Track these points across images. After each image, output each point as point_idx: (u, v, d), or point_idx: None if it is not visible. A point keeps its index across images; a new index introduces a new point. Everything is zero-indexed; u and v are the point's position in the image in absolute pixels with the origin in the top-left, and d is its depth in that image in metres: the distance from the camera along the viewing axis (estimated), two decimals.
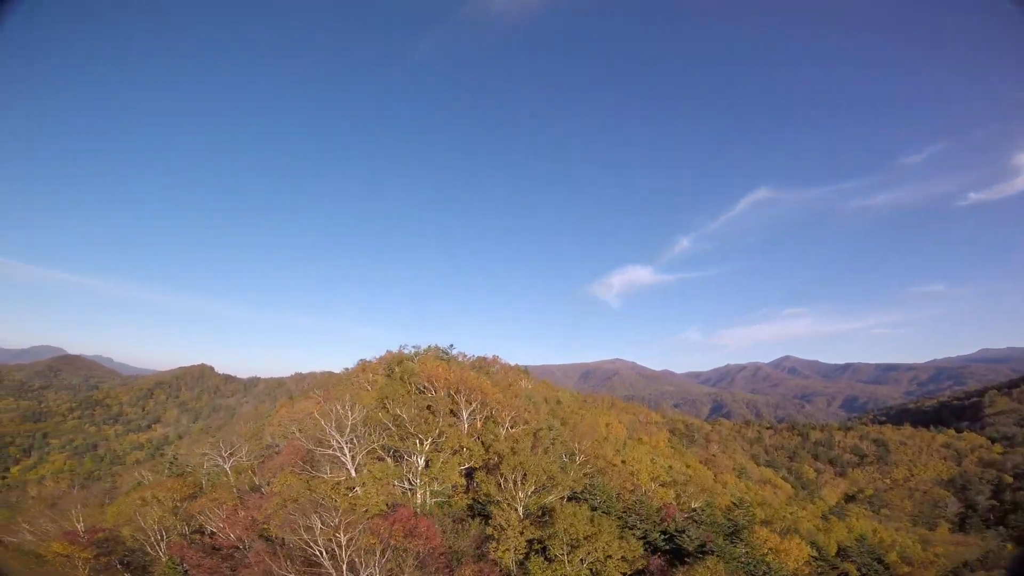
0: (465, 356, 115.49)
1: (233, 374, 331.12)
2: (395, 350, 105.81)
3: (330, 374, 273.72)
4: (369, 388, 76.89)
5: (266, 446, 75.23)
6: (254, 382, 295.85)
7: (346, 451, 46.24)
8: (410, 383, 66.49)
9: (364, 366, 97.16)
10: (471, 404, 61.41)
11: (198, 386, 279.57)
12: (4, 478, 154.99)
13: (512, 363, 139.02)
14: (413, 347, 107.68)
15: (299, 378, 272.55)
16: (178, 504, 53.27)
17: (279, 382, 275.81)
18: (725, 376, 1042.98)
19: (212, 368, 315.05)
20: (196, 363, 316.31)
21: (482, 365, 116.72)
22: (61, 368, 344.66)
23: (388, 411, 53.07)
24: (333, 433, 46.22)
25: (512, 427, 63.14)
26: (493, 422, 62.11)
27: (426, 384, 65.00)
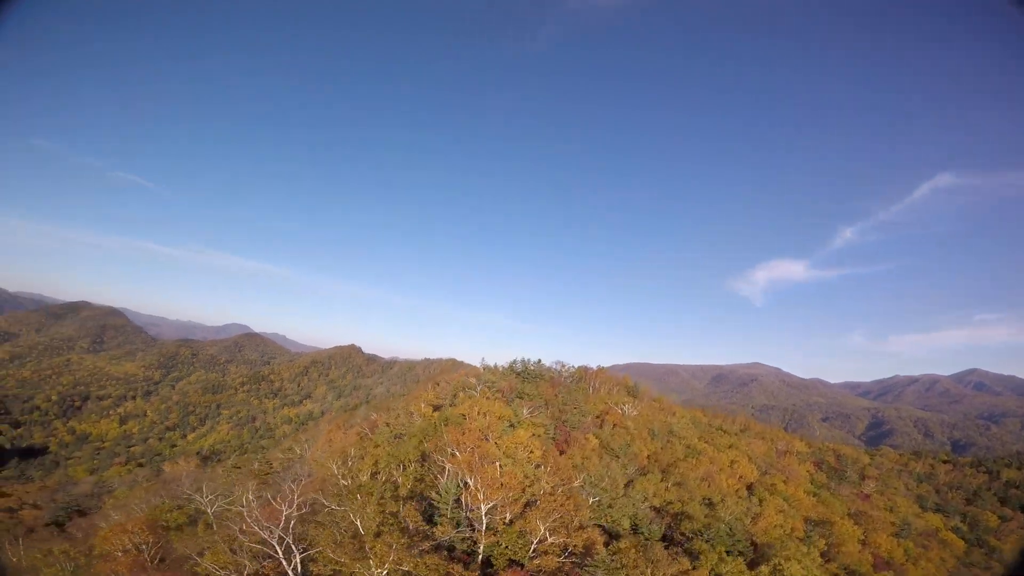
0: (564, 367, 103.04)
1: (379, 354, 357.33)
2: (518, 358, 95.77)
3: (453, 361, 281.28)
4: (415, 416, 68.75)
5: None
6: (390, 364, 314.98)
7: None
8: (428, 438, 54.49)
9: (432, 386, 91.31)
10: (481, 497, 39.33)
11: (345, 365, 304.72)
12: (175, 446, 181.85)
13: (620, 375, 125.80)
14: (522, 362, 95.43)
15: (427, 363, 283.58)
16: None
17: (410, 365, 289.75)
18: (891, 389, 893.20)
19: (359, 348, 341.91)
20: (348, 343, 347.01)
21: (582, 377, 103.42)
22: (244, 344, 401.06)
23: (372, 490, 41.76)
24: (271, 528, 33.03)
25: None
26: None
27: (451, 450, 48.11)
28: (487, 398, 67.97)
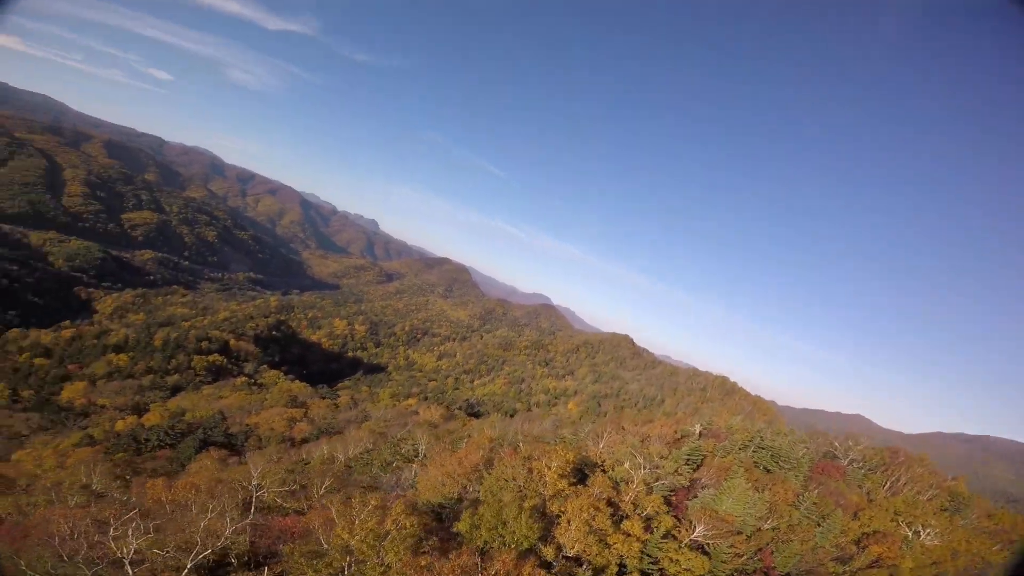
0: (852, 443, 71.62)
1: (650, 349, 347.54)
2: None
3: (725, 381, 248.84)
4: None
5: None
6: (655, 363, 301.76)
7: None
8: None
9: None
10: None
11: (611, 353, 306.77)
12: (456, 389, 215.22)
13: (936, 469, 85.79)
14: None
15: (694, 375, 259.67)
16: None
17: (672, 370, 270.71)
18: None
19: (630, 339, 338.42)
20: (623, 333, 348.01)
21: (884, 464, 69.17)
22: (541, 313, 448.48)
23: None
24: None
25: None
26: None
27: None
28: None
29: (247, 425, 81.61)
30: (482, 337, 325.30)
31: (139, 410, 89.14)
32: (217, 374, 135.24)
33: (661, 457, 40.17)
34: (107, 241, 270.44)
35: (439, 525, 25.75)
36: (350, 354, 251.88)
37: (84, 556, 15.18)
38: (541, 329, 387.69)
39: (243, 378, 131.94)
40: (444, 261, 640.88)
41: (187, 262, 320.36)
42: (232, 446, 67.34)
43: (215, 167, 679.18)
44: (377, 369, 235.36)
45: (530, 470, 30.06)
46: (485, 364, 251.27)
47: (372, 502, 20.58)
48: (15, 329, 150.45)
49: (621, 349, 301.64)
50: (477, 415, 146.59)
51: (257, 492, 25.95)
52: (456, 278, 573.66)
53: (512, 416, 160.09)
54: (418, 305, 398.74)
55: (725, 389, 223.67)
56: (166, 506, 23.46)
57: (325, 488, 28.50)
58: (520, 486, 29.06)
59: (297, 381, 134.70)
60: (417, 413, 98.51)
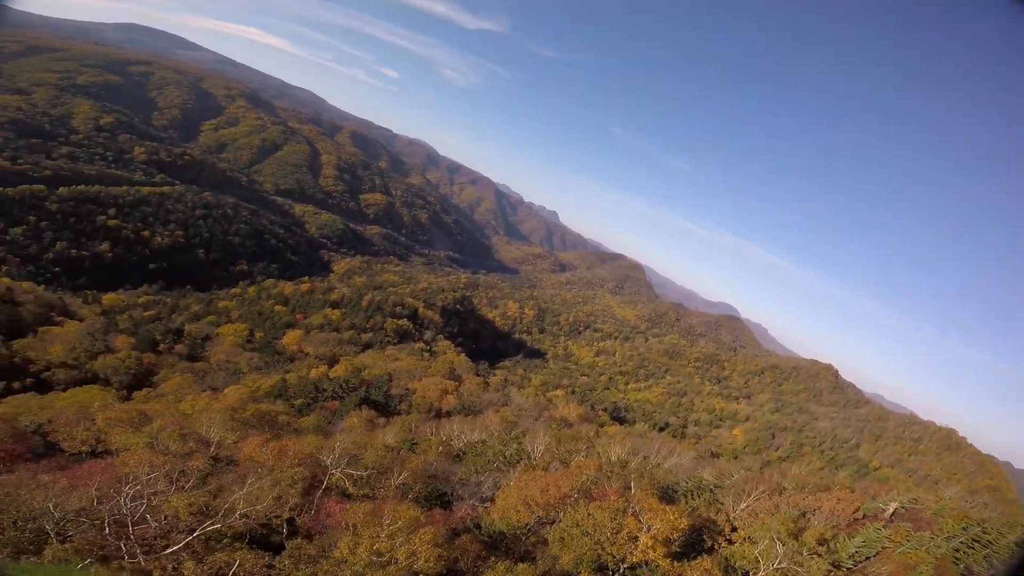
0: None
1: (857, 384, 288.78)
2: None
3: (949, 433, 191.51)
4: None
5: None
6: (860, 402, 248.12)
7: None
8: None
9: None
10: None
11: (805, 382, 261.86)
12: (607, 388, 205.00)
13: None
14: None
15: (908, 420, 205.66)
16: None
17: (882, 413, 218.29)
18: None
19: (835, 371, 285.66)
20: (826, 362, 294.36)
21: None
22: (724, 325, 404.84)
23: None
24: None
25: None
26: None
27: None
28: None
29: (407, 389, 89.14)
30: (647, 340, 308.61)
31: (332, 361, 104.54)
32: (403, 337, 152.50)
33: (814, 552, 30.13)
34: (347, 216, 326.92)
35: (492, 555, 22.47)
36: (516, 336, 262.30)
37: (109, 506, 15.82)
38: (720, 342, 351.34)
39: (421, 344, 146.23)
40: (618, 257, 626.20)
41: (404, 238, 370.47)
42: (386, 407, 73.88)
43: (431, 158, 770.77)
44: (537, 354, 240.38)
45: (620, 527, 24.58)
46: (645, 369, 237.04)
47: (405, 514, 18.20)
48: (270, 280, 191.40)
49: (819, 380, 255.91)
50: (622, 421, 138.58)
51: (333, 468, 25.88)
52: (629, 275, 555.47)
53: (662, 430, 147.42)
54: (585, 298, 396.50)
55: (947, 443, 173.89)
56: (251, 465, 24.82)
57: (400, 480, 27.39)
58: (599, 541, 23.90)
59: (462, 355, 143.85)
60: (553, 407, 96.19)
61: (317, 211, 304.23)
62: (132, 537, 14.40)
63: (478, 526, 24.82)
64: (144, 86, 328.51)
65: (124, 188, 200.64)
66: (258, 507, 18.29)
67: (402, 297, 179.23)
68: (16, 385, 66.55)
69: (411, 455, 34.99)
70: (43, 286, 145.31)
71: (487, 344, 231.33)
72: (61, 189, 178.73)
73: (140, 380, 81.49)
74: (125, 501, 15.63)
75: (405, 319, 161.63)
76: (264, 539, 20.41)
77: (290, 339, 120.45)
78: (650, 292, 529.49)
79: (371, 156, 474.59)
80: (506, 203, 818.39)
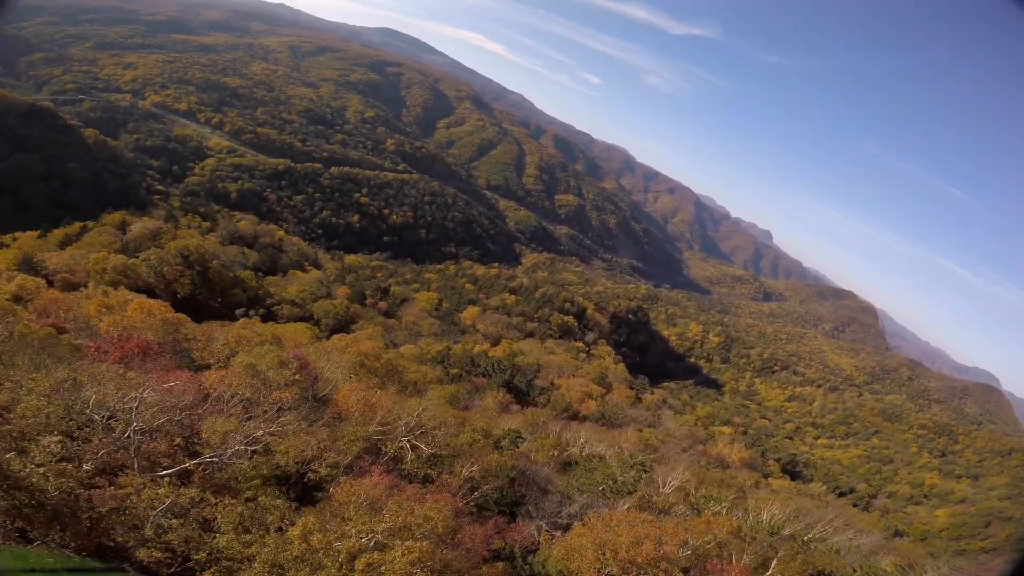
0: None
1: None
2: None
3: None
4: None
5: None
6: None
7: None
8: None
9: None
10: None
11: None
12: (789, 438, 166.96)
13: None
14: None
15: None
16: None
17: None
18: None
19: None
20: None
21: None
22: (970, 393, 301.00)
23: None
24: None
25: None
26: None
27: None
28: None
29: (552, 383, 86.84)
30: (861, 395, 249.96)
31: (495, 341, 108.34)
32: (565, 334, 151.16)
33: None
34: (541, 214, 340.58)
35: None
36: (692, 360, 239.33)
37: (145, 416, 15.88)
38: (961, 413, 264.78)
39: (580, 344, 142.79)
40: (844, 294, 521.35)
41: (589, 241, 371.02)
42: (526, 396, 72.58)
43: (627, 164, 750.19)
44: (711, 384, 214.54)
45: None
46: (847, 426, 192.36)
47: (425, 513, 14.84)
48: (468, 261, 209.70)
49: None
50: (794, 475, 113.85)
51: (402, 436, 24.11)
52: (855, 318, 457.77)
53: (843, 495, 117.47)
54: (791, 335, 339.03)
55: None
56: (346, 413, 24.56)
57: (467, 471, 24.42)
58: None
59: (621, 364, 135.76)
60: (712, 443, 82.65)
61: (517, 207, 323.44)
62: (134, 453, 14.29)
63: (525, 558, 20.24)
64: (397, 85, 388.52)
65: (375, 172, 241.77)
66: (290, 452, 17.31)
67: (573, 295, 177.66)
68: (251, 312, 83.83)
69: (495, 448, 31.65)
70: (307, 242, 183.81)
71: (654, 361, 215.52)
72: (332, 169, 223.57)
73: (343, 325, 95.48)
74: (156, 413, 15.84)
75: (571, 316, 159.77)
76: (309, 489, 19.55)
77: (468, 314, 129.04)
78: (880, 342, 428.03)
79: (569, 158, 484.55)
80: (707, 216, 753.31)
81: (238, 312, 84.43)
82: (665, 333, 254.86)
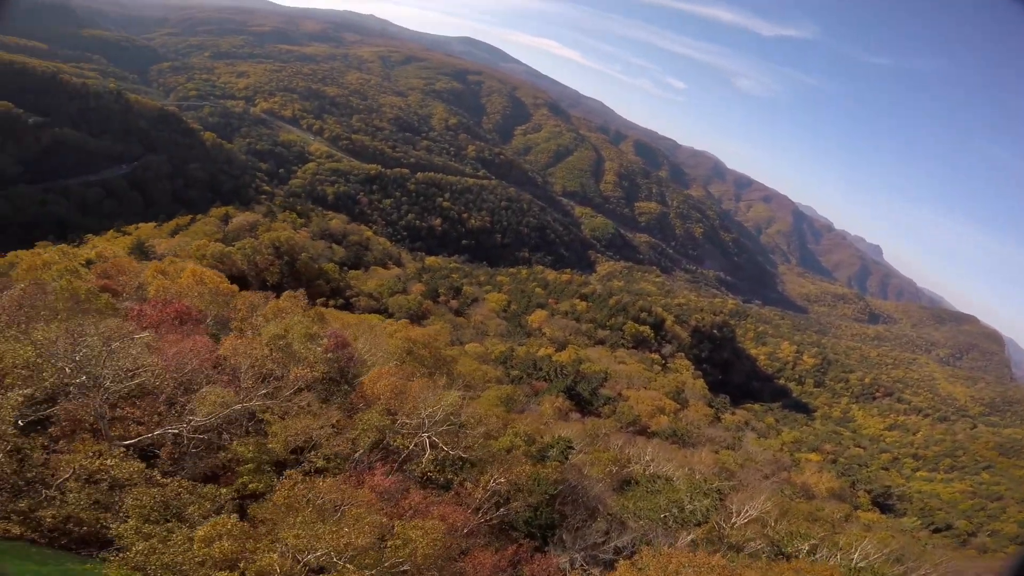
0: None
1: None
2: None
3: None
4: None
5: None
6: None
7: None
8: None
9: None
10: None
11: None
12: (886, 469, 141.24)
13: None
14: None
15: None
16: None
17: None
18: None
19: None
20: None
21: None
22: None
23: None
24: None
25: None
26: None
27: None
28: None
29: (619, 395, 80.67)
30: (975, 427, 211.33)
31: (561, 346, 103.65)
32: (638, 344, 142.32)
33: None
34: (619, 221, 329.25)
35: None
36: (781, 381, 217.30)
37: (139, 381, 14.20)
38: None
39: (656, 356, 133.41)
40: (966, 319, 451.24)
41: (672, 250, 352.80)
42: (588, 405, 67.47)
43: (717, 170, 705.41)
44: (801, 408, 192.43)
45: None
46: (953, 459, 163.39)
47: (407, 533, 11.49)
48: (540, 266, 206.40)
49: None
50: (886, 509, 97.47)
51: (426, 428, 20.98)
52: (976, 345, 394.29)
53: (938, 532, 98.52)
54: (898, 360, 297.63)
55: None
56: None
57: (495, 482, 20.75)
58: None
59: (701, 380, 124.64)
60: (798, 470, 71.89)
61: (593, 214, 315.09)
62: (104, 415, 12.49)
63: None
64: (477, 93, 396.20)
65: (457, 178, 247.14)
66: (280, 436, 14.89)
67: (650, 304, 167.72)
68: (331, 303, 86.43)
69: (537, 459, 27.48)
70: (392, 243, 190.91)
71: (738, 380, 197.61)
72: (419, 174, 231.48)
73: (415, 320, 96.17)
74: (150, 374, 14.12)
75: (648, 327, 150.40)
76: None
77: (536, 317, 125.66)
78: (1005, 371, 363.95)
79: (652, 165, 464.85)
80: (807, 228, 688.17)
81: (318, 302, 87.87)
82: (753, 352, 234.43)
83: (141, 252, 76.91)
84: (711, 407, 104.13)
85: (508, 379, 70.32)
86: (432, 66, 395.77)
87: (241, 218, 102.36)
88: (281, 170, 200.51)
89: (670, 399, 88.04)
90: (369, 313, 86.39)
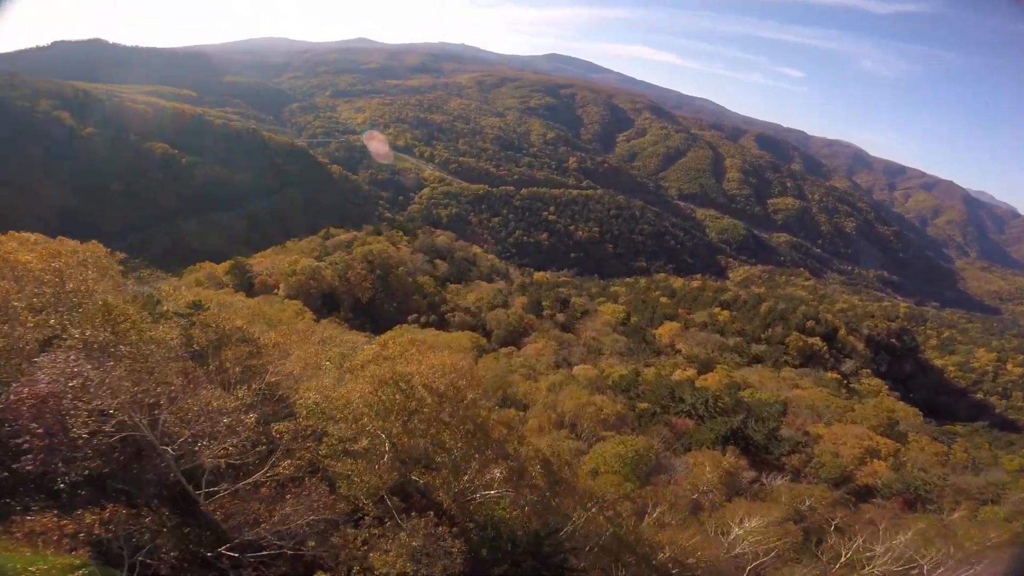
0: None
1: None
2: None
3: None
4: None
5: None
6: None
7: None
8: None
9: None
10: None
11: None
12: None
13: None
14: None
15: None
16: None
17: None
18: None
19: None
20: None
21: None
22: None
23: None
24: None
25: None
26: None
27: None
28: None
29: (805, 433, 54.36)
30: None
31: (705, 367, 78.72)
32: (807, 360, 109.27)
33: None
34: (751, 221, 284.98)
35: None
36: (979, 395, 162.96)
37: None
38: None
39: (835, 375, 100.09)
40: None
41: (818, 250, 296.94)
42: (765, 453, 43.68)
43: (859, 159, 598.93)
44: (1009, 426, 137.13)
45: None
46: None
47: None
48: (662, 274, 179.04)
49: None
50: None
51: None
52: None
53: None
54: None
55: None
56: None
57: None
58: None
59: (902, 402, 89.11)
60: None
61: (718, 215, 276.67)
62: None
63: None
64: (572, 106, 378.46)
65: (561, 191, 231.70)
66: None
67: (817, 311, 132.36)
68: (422, 319, 73.55)
69: None
70: (502, 260, 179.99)
71: (923, 396, 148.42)
72: (523, 190, 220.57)
73: (515, 337, 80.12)
74: None
75: (818, 338, 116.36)
76: None
77: (664, 331, 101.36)
78: None
79: (781, 159, 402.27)
80: (984, 215, 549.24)
81: (410, 318, 76.20)
82: (938, 362, 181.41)
83: (241, 272, 72.17)
84: (936, 441, 70.59)
85: (634, 414, 49.46)
86: (524, 84, 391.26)
87: (342, 236, 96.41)
88: (400, 197, 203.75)
89: (880, 435, 59.03)
90: (464, 330, 71.85)
